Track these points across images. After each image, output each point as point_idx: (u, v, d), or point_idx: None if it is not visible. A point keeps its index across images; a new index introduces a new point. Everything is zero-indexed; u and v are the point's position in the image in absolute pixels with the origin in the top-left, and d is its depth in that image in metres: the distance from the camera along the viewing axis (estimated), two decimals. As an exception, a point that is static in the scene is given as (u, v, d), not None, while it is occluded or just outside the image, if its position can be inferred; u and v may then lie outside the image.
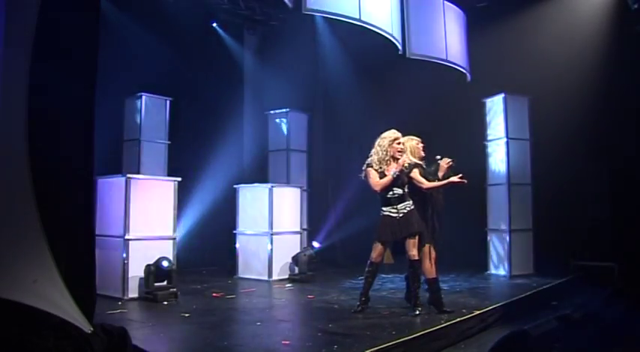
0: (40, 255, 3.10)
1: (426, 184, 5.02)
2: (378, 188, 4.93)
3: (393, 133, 5.05)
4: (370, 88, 9.41)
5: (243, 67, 10.36)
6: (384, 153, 4.99)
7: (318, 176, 9.69)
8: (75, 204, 3.39)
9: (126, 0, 8.08)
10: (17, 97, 3.10)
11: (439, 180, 5.18)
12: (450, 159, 5.26)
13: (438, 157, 5.28)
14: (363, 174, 5.07)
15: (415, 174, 5.02)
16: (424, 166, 5.21)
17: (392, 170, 4.89)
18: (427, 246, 5.09)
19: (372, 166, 5.01)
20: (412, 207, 4.96)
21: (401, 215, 4.91)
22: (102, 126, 3.91)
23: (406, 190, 4.98)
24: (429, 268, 5.09)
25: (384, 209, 4.99)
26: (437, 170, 5.27)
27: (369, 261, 5.07)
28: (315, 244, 8.45)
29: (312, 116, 9.73)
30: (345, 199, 9.09)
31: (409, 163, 5.04)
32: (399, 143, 5.00)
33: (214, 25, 9.85)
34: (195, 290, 6.45)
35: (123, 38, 7.90)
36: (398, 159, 4.93)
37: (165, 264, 5.73)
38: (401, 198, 4.94)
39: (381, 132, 5.12)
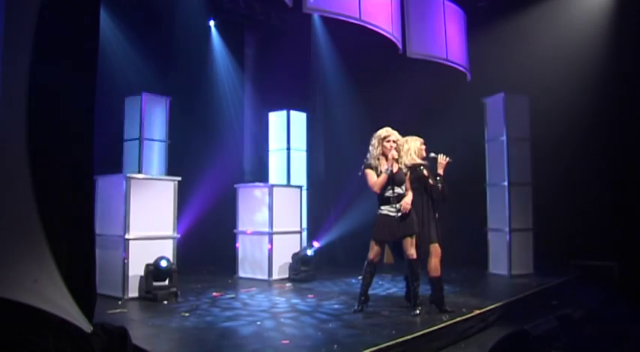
0: (40, 255, 3.09)
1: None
2: (375, 188, 4.91)
3: (384, 131, 5.01)
4: (370, 88, 9.41)
5: (243, 66, 10.36)
6: (375, 151, 4.97)
7: (318, 176, 9.68)
8: (75, 204, 3.39)
9: (126, 0, 8.08)
10: (17, 97, 3.10)
11: (441, 176, 5.18)
12: (446, 156, 5.24)
13: (432, 155, 5.25)
14: (360, 173, 5.03)
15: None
16: (425, 165, 5.20)
17: (384, 167, 4.88)
18: (435, 244, 5.11)
19: (369, 166, 4.97)
20: (410, 206, 4.94)
21: (400, 214, 4.89)
22: (102, 125, 3.92)
23: (404, 189, 4.97)
24: (436, 266, 5.09)
25: (382, 208, 4.96)
26: (435, 167, 5.25)
27: (366, 261, 5.06)
28: (315, 244, 8.44)
29: (312, 115, 9.72)
30: (345, 199, 9.09)
31: (409, 164, 5.04)
32: (388, 141, 4.95)
33: (214, 24, 9.85)
34: (195, 290, 6.45)
35: (123, 38, 7.90)
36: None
37: (163, 263, 5.72)
38: (400, 198, 4.91)
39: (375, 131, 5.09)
